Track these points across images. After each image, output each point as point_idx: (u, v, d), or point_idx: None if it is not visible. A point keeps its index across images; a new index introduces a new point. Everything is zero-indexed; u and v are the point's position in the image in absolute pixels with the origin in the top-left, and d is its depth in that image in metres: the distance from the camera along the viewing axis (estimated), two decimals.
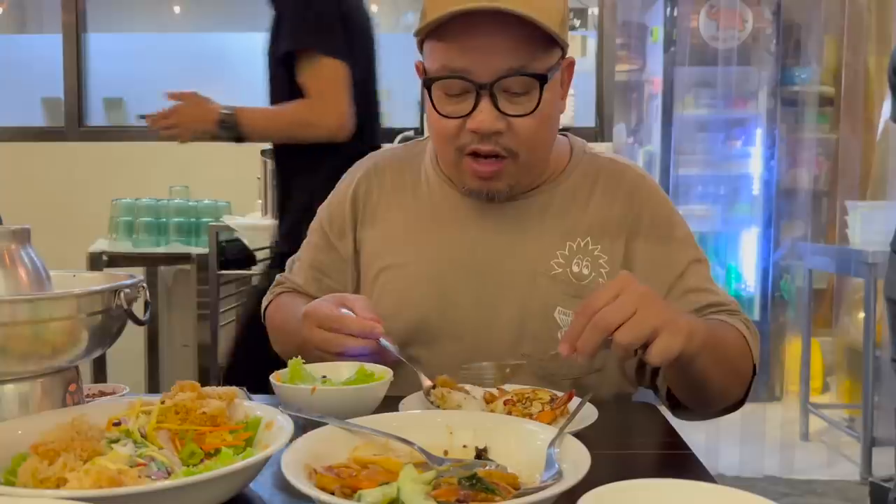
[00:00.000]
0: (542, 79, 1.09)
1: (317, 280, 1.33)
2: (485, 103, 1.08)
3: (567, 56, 1.17)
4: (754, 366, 1.14)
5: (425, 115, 1.26)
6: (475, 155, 1.13)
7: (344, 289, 1.30)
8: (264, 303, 1.40)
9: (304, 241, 1.38)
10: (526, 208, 1.22)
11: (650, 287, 0.96)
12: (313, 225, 1.37)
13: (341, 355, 1.07)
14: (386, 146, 1.44)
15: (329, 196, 1.38)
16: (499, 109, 1.09)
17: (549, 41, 1.09)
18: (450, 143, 1.14)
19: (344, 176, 1.37)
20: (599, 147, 1.36)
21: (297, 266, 1.38)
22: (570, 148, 1.30)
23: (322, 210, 1.37)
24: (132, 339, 3.62)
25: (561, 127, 1.23)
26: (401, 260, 1.24)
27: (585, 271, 1.19)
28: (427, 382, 1.03)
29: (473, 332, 1.18)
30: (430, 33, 1.10)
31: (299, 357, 1.02)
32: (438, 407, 0.96)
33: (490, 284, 1.20)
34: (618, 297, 0.89)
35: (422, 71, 1.16)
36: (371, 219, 1.30)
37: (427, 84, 1.12)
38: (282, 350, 1.32)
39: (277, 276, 1.41)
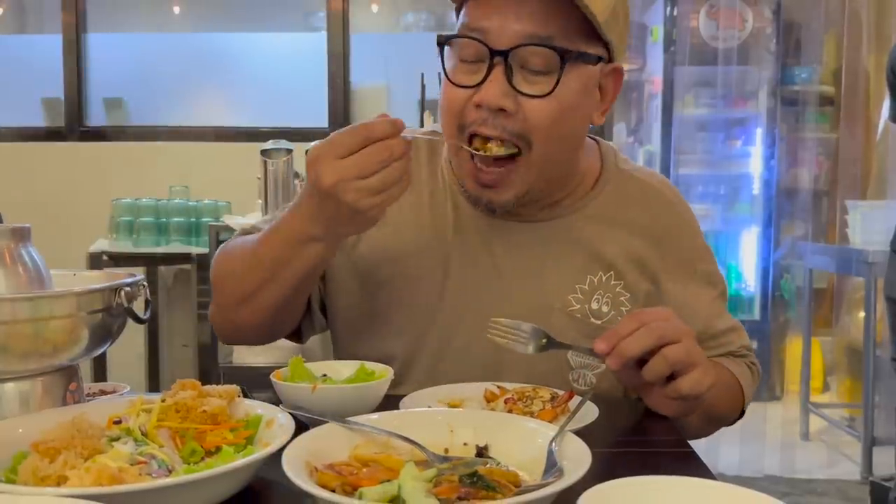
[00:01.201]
0: (566, 54, 0.96)
1: None
2: (496, 73, 0.96)
3: (615, 63, 1.04)
4: (742, 410, 1.15)
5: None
6: (474, 141, 1.00)
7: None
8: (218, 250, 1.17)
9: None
10: (548, 233, 1.12)
11: None
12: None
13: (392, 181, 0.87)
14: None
15: None
16: (512, 85, 0.97)
17: (590, 31, 0.97)
18: (454, 119, 1.01)
19: None
20: None
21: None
22: (600, 158, 1.18)
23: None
24: (132, 338, 3.63)
25: None
26: (410, 271, 1.13)
27: (605, 308, 1.11)
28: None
29: (480, 360, 1.10)
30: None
31: (299, 356, 1.02)
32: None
33: (503, 313, 1.06)
34: (668, 320, 0.90)
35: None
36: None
37: (440, 44, 1.00)
38: (231, 299, 1.09)
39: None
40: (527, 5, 0.96)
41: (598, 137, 1.22)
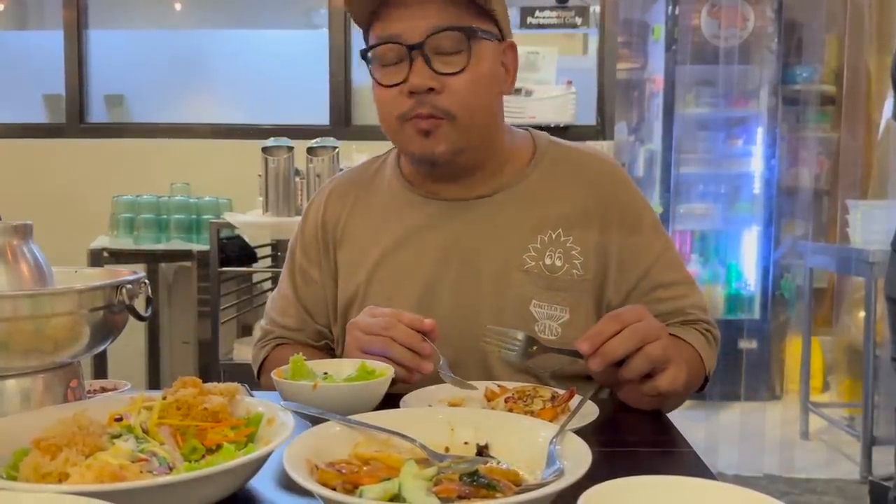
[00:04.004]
0: (470, 31, 1.12)
1: (307, 322, 1.31)
2: (418, 64, 1.11)
3: (508, 40, 1.20)
4: (706, 376, 1.18)
5: None
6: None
7: (328, 326, 1.30)
8: (256, 358, 1.32)
9: (284, 282, 1.33)
10: (494, 205, 1.22)
11: (624, 278, 1.20)
12: (291, 265, 1.33)
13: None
14: (347, 169, 1.42)
15: (297, 230, 1.35)
16: (432, 69, 1.11)
17: (479, 14, 1.14)
18: (391, 113, 1.15)
19: (307, 207, 1.35)
20: (600, 145, 1.36)
21: (281, 305, 1.32)
22: (532, 141, 1.30)
23: (295, 246, 1.33)
24: (133, 336, 3.63)
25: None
26: (378, 274, 1.24)
27: (559, 263, 1.19)
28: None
29: (455, 333, 1.16)
30: (369, 21, 1.16)
31: (300, 354, 1.02)
32: None
33: (466, 284, 1.20)
34: (643, 318, 0.97)
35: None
36: (342, 240, 1.29)
37: (364, 57, 1.16)
38: None
39: (262, 326, 1.35)
40: (425, 4, 1.12)
41: (530, 128, 1.34)
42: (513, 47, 1.22)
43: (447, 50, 1.12)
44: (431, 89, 1.12)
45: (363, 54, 1.17)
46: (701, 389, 1.19)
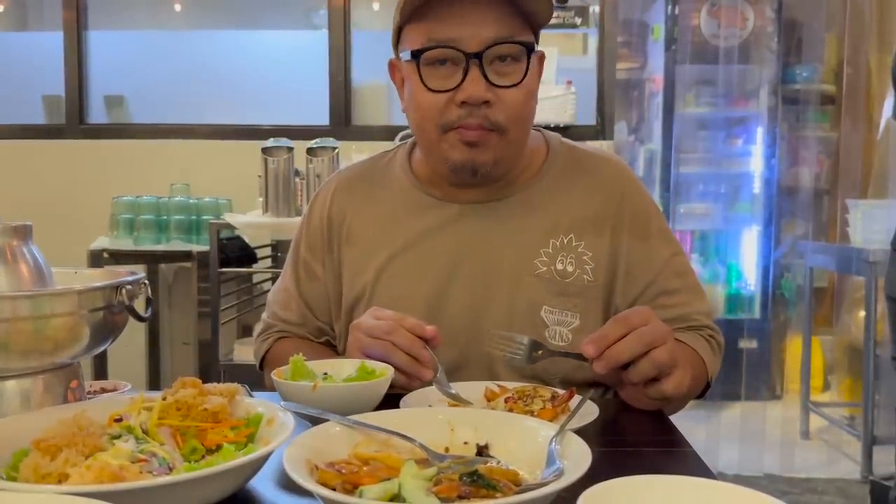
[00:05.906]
0: (531, 47, 1.11)
1: (308, 318, 1.30)
2: (474, 73, 1.08)
3: (540, 49, 1.19)
4: (708, 382, 1.17)
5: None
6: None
7: (329, 322, 1.29)
8: (258, 351, 1.32)
9: (287, 276, 1.32)
10: (507, 208, 1.21)
11: (631, 285, 1.19)
12: (295, 258, 1.32)
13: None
14: (351, 163, 1.40)
15: (302, 223, 1.33)
16: (487, 80, 1.08)
17: (526, 26, 1.12)
18: (434, 120, 1.12)
19: (312, 201, 1.33)
20: (600, 145, 1.36)
21: (283, 299, 1.31)
22: (545, 142, 1.28)
23: (300, 240, 1.32)
24: (133, 336, 3.63)
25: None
26: (386, 274, 1.22)
27: (570, 268, 1.19)
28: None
29: (463, 337, 1.17)
30: (412, 15, 1.11)
31: (300, 354, 1.02)
32: None
33: (476, 287, 1.19)
34: (650, 321, 0.96)
35: (396, 68, 1.20)
36: (348, 238, 1.27)
37: (416, 56, 1.10)
38: None
39: (264, 318, 1.35)
40: (484, 12, 1.08)
41: (541, 129, 1.32)
42: (542, 57, 1.20)
43: (503, 61, 1.10)
44: (486, 101, 1.09)
45: (414, 54, 1.10)
46: (702, 395, 1.19)
